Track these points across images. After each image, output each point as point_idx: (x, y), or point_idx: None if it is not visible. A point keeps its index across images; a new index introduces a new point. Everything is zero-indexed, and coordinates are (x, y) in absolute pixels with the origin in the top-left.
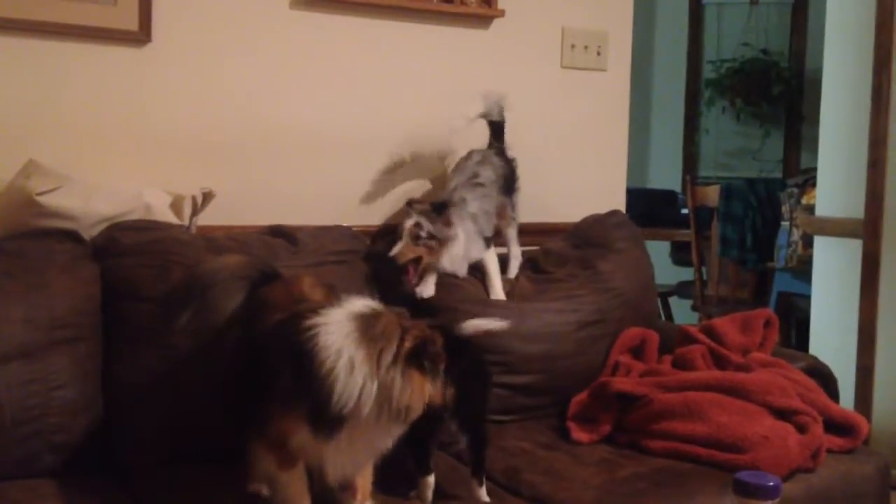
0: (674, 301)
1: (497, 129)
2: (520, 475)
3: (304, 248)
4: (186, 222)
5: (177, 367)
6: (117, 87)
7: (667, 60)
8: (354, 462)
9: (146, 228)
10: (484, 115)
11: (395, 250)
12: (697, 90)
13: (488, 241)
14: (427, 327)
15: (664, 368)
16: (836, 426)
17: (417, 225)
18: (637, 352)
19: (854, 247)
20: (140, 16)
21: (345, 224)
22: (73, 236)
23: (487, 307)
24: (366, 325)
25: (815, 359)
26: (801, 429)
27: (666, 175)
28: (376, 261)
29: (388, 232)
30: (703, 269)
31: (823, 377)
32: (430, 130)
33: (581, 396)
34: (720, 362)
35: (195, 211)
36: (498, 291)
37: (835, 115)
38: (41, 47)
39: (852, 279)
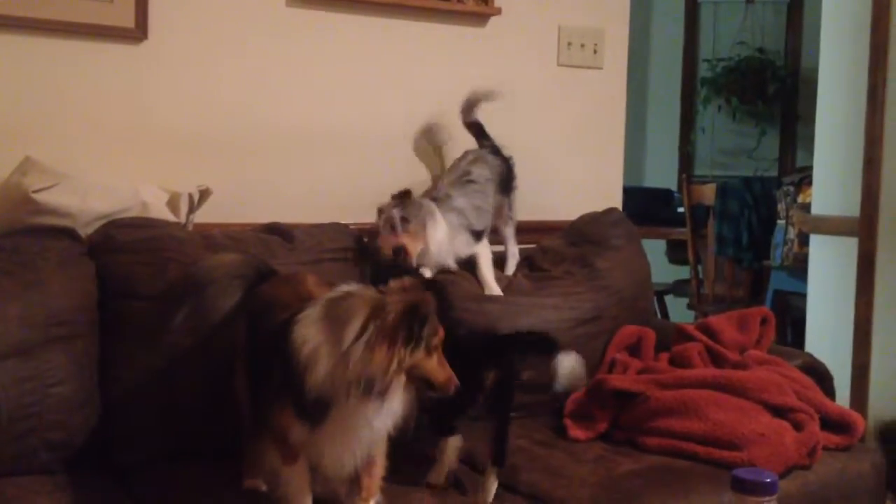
0: (670, 299)
1: (477, 130)
2: (517, 473)
3: (300, 245)
4: (183, 220)
5: (173, 364)
6: (113, 84)
7: (663, 59)
8: (351, 451)
9: (143, 226)
10: (465, 123)
11: (378, 243)
12: (693, 89)
13: (478, 235)
14: (419, 288)
15: (661, 366)
16: (833, 424)
17: (388, 217)
18: (634, 349)
19: (850, 245)
20: (136, 13)
21: (341, 221)
22: (69, 234)
23: (483, 303)
24: (329, 308)
25: (812, 356)
26: (798, 426)
27: (662, 173)
28: (374, 265)
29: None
30: (700, 268)
31: (819, 375)
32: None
33: (578, 394)
34: (717, 360)
35: (192, 208)
36: (492, 286)
37: (830, 113)
38: (37, 44)
39: (848, 277)
